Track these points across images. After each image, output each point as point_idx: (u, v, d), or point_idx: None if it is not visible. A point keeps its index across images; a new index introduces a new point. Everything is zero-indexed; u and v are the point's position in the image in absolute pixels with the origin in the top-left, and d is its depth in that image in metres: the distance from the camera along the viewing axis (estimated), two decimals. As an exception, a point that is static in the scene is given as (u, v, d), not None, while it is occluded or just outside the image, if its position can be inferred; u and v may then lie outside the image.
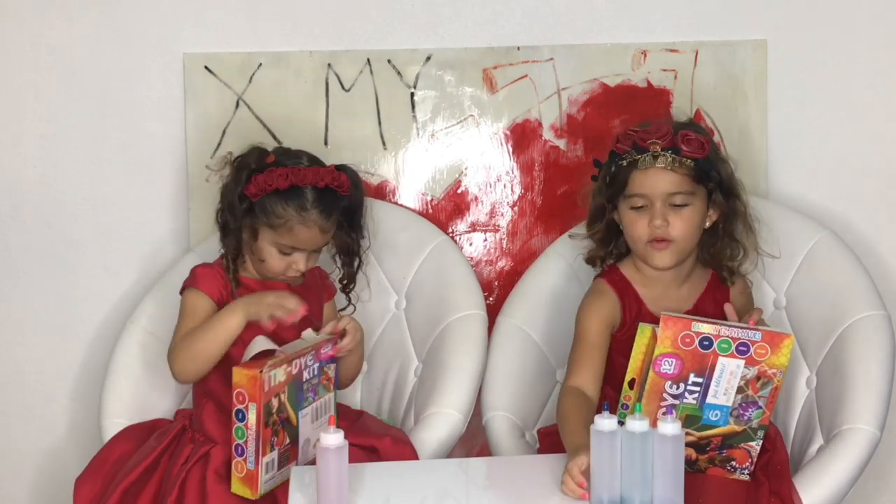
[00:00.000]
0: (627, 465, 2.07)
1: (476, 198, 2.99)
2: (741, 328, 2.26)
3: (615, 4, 2.94)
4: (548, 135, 2.97)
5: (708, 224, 2.51)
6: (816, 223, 2.80)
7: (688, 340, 2.25)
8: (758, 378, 2.27)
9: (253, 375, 2.23)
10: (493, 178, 2.98)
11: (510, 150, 2.98)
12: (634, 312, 2.52)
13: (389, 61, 2.94)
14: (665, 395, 2.28)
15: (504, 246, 2.99)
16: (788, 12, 2.94)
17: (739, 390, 2.28)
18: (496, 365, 2.71)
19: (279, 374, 2.28)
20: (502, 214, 2.99)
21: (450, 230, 2.98)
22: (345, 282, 2.69)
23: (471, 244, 2.99)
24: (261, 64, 2.93)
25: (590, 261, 2.63)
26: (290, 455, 2.35)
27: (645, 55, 2.94)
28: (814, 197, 2.96)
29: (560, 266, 2.81)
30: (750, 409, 2.30)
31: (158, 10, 2.91)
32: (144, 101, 2.94)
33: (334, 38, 2.94)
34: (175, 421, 2.60)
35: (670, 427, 2.05)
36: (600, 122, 2.95)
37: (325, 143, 2.94)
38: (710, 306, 2.55)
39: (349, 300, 2.71)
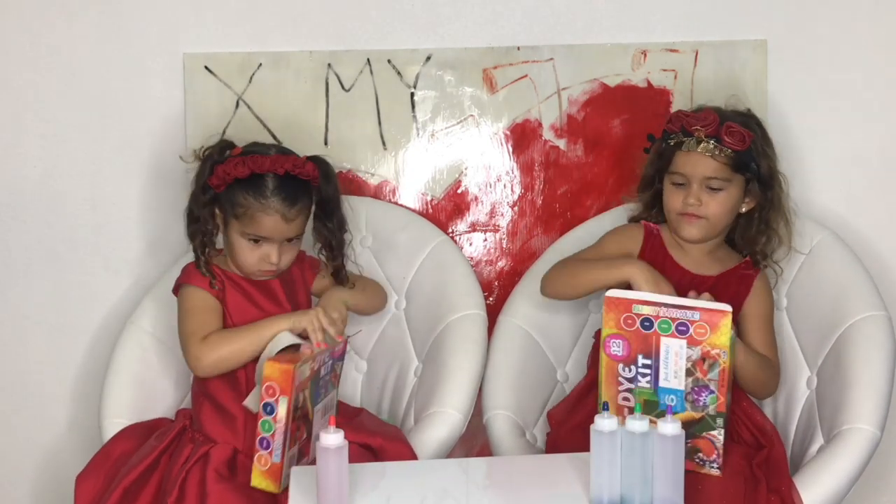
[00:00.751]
0: (627, 465, 2.07)
1: (476, 198, 2.99)
2: (680, 308, 2.31)
3: (615, 4, 2.93)
4: (548, 135, 2.97)
5: (744, 209, 2.62)
6: (816, 223, 2.80)
7: (630, 321, 2.32)
8: (703, 360, 2.30)
9: (286, 370, 2.25)
10: (493, 178, 2.98)
11: (510, 150, 2.98)
12: (658, 262, 2.62)
13: (389, 61, 2.94)
14: (620, 378, 2.34)
15: (504, 246, 2.99)
16: (788, 12, 2.94)
17: (689, 373, 2.31)
18: (497, 364, 2.72)
19: (306, 370, 2.31)
20: (502, 214, 2.99)
21: (450, 230, 2.98)
22: (334, 272, 2.67)
23: (471, 244, 2.99)
24: (261, 64, 2.93)
25: (633, 220, 2.76)
26: (304, 450, 2.37)
27: (645, 55, 2.94)
28: (814, 197, 2.96)
29: None
30: (703, 394, 2.32)
31: (158, 10, 2.91)
32: (144, 101, 2.94)
33: (334, 38, 2.93)
34: (176, 420, 2.60)
35: (670, 427, 2.05)
36: (600, 122, 2.96)
37: (325, 143, 2.94)
38: (732, 283, 2.61)
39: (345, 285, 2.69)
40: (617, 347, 2.33)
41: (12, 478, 3.05)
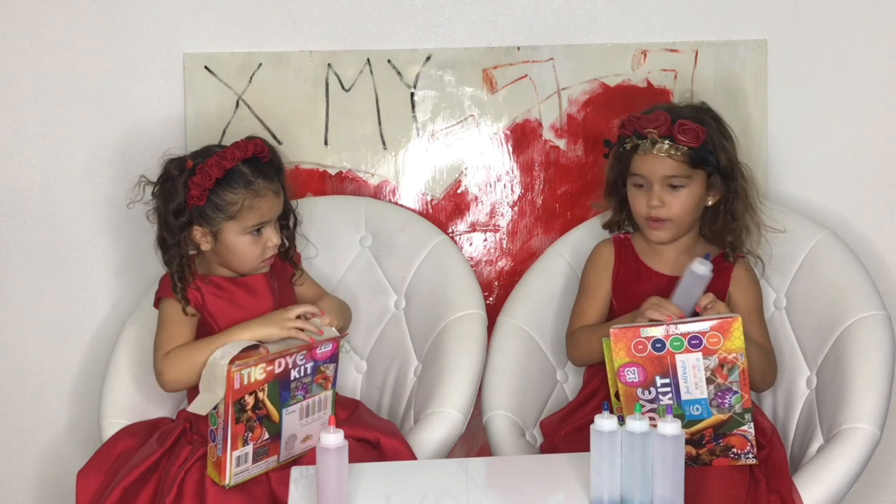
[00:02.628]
0: (627, 465, 2.07)
1: (476, 198, 2.98)
2: (688, 322, 2.31)
3: (615, 4, 2.93)
4: (548, 135, 2.97)
5: (711, 202, 2.61)
6: (816, 223, 2.80)
7: (641, 347, 2.30)
8: (721, 366, 2.30)
9: (228, 374, 2.28)
10: (493, 178, 2.98)
11: (510, 150, 2.97)
12: (632, 269, 2.65)
13: (389, 61, 2.94)
14: (641, 401, 2.31)
15: (504, 246, 2.99)
16: (788, 12, 2.94)
17: (709, 381, 2.31)
18: (497, 364, 2.71)
19: (256, 373, 2.29)
20: (502, 214, 2.98)
21: (450, 230, 2.98)
22: (286, 245, 2.63)
23: (471, 244, 2.99)
24: (261, 64, 2.92)
25: (607, 226, 2.76)
26: (268, 450, 2.36)
27: (645, 55, 2.94)
28: (814, 197, 2.96)
29: (560, 266, 2.82)
30: (727, 396, 2.32)
31: (158, 11, 2.91)
32: (145, 101, 2.94)
33: (334, 38, 2.93)
34: (177, 421, 2.59)
35: (670, 427, 2.04)
36: (600, 122, 2.95)
37: (325, 143, 2.94)
38: (712, 283, 2.53)
39: (295, 265, 2.67)
40: (633, 375, 2.31)
41: (12, 477, 3.05)
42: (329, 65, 2.93)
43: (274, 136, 2.93)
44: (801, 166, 2.96)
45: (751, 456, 2.36)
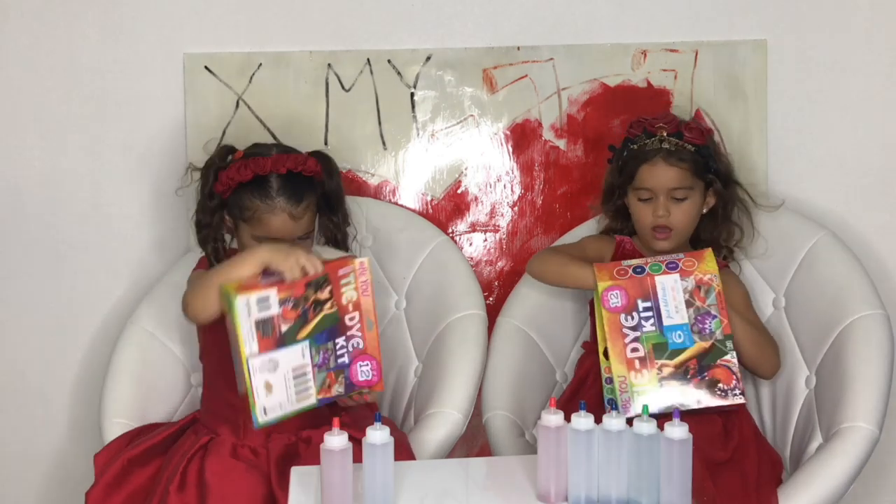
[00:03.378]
0: (634, 468, 2.05)
1: (476, 198, 2.98)
2: (664, 255, 2.49)
3: (615, 4, 2.93)
4: (548, 135, 2.96)
5: (706, 210, 2.70)
6: (816, 223, 2.80)
7: (622, 272, 2.44)
8: (699, 287, 2.42)
9: (345, 260, 2.27)
10: (493, 178, 2.98)
11: (510, 150, 2.97)
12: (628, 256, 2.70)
13: (389, 61, 2.94)
14: (624, 330, 2.41)
15: (504, 246, 2.99)
16: (788, 12, 2.94)
17: (689, 304, 2.42)
18: (496, 364, 2.72)
19: (348, 292, 2.27)
20: (502, 214, 2.98)
21: (450, 230, 2.98)
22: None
23: (471, 244, 2.99)
24: (261, 64, 2.92)
25: (605, 233, 2.82)
26: (267, 334, 2.20)
27: (645, 55, 2.94)
28: (813, 197, 2.96)
29: None
30: (707, 321, 2.42)
31: (159, 11, 2.91)
32: (145, 101, 2.93)
33: (334, 38, 2.93)
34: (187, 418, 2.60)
35: (678, 430, 2.03)
36: (600, 123, 2.95)
37: (326, 143, 2.94)
38: None
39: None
40: (616, 299, 2.42)
41: (12, 478, 3.05)
42: (329, 65, 2.93)
43: (274, 137, 2.93)
44: (800, 166, 2.96)
45: (738, 392, 2.41)
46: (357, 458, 2.06)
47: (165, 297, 2.77)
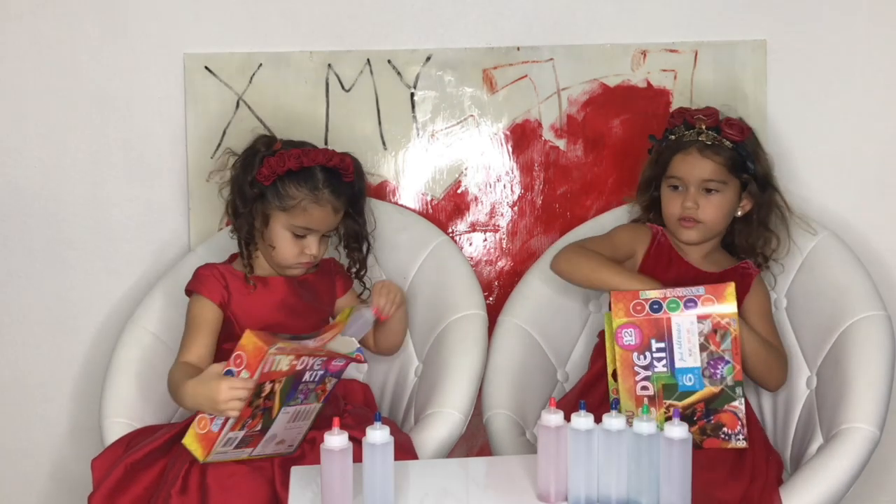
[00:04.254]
0: (634, 468, 2.06)
1: (476, 198, 2.98)
2: (685, 288, 2.41)
3: (615, 4, 2.93)
4: (548, 135, 2.96)
5: (740, 213, 2.68)
6: (816, 223, 2.79)
7: (639, 308, 2.39)
8: (715, 331, 2.38)
9: (259, 347, 2.24)
10: (493, 178, 2.98)
11: (510, 150, 2.97)
12: (665, 256, 2.69)
13: (389, 61, 2.93)
14: (636, 367, 2.39)
15: (504, 246, 2.99)
16: (788, 12, 2.94)
17: (703, 348, 2.37)
18: (497, 363, 2.71)
19: (283, 363, 2.26)
20: (502, 214, 2.98)
21: (450, 230, 2.98)
22: (356, 268, 2.72)
23: (471, 244, 2.99)
24: (261, 64, 2.92)
25: (637, 221, 2.82)
26: (251, 441, 2.33)
27: (644, 55, 2.94)
28: (813, 197, 2.95)
29: None
30: (720, 366, 2.38)
31: (159, 10, 2.90)
32: (145, 102, 2.93)
33: (334, 39, 2.93)
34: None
35: (677, 430, 2.03)
36: (600, 123, 2.95)
37: (326, 144, 2.91)
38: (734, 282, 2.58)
39: (364, 285, 2.73)
40: (629, 337, 2.38)
41: (13, 478, 3.04)
42: (329, 65, 2.93)
43: (274, 137, 2.86)
44: (800, 167, 2.96)
45: (741, 437, 2.40)
46: (358, 458, 2.06)
47: (166, 298, 2.78)
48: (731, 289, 2.38)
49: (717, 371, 2.38)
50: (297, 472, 2.25)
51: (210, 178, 2.84)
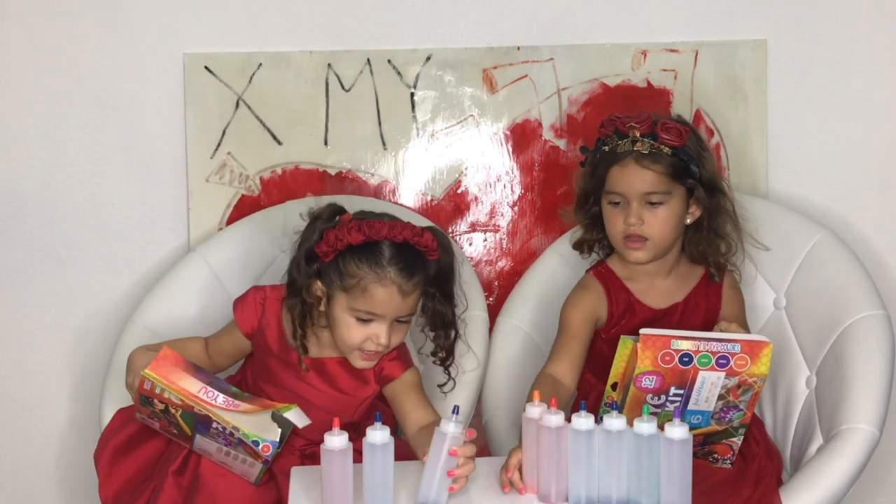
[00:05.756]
0: (634, 469, 2.05)
1: (476, 198, 2.98)
2: (720, 341, 2.23)
3: (615, 4, 2.92)
4: (548, 135, 2.96)
5: (690, 220, 2.52)
6: (816, 223, 2.78)
7: (668, 358, 2.22)
8: (738, 386, 2.27)
9: (141, 364, 2.29)
10: (493, 178, 2.98)
11: (510, 150, 2.97)
12: (623, 305, 2.54)
13: (389, 61, 2.93)
14: (646, 404, 2.23)
15: (504, 246, 2.98)
16: (788, 12, 2.94)
17: (720, 398, 2.28)
18: (497, 365, 2.70)
19: (171, 395, 2.24)
20: (502, 214, 2.98)
21: (450, 230, 2.97)
22: (442, 355, 2.43)
23: (471, 244, 2.98)
24: (261, 64, 2.91)
25: (577, 246, 2.67)
26: (179, 437, 2.33)
27: (645, 55, 2.94)
28: (813, 197, 2.96)
29: (560, 266, 2.81)
30: (731, 412, 2.31)
31: (158, 10, 2.90)
32: (145, 102, 2.92)
33: (334, 38, 2.92)
34: None
35: (678, 431, 2.02)
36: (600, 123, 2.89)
37: (325, 144, 2.93)
38: (702, 301, 2.57)
39: (449, 374, 2.46)
40: (649, 382, 2.24)
41: (12, 478, 3.04)
42: (329, 65, 2.92)
43: (274, 137, 2.93)
44: (800, 166, 2.96)
45: (728, 462, 2.37)
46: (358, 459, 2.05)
47: (166, 297, 2.78)
48: (767, 350, 2.22)
49: (727, 416, 2.31)
50: (297, 473, 2.24)
51: (209, 179, 2.83)
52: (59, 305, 2.99)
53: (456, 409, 2.06)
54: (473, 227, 2.99)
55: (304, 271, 2.30)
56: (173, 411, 2.26)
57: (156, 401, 2.26)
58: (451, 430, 2.04)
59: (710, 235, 2.54)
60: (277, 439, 2.20)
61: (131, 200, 2.96)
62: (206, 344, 2.50)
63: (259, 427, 2.21)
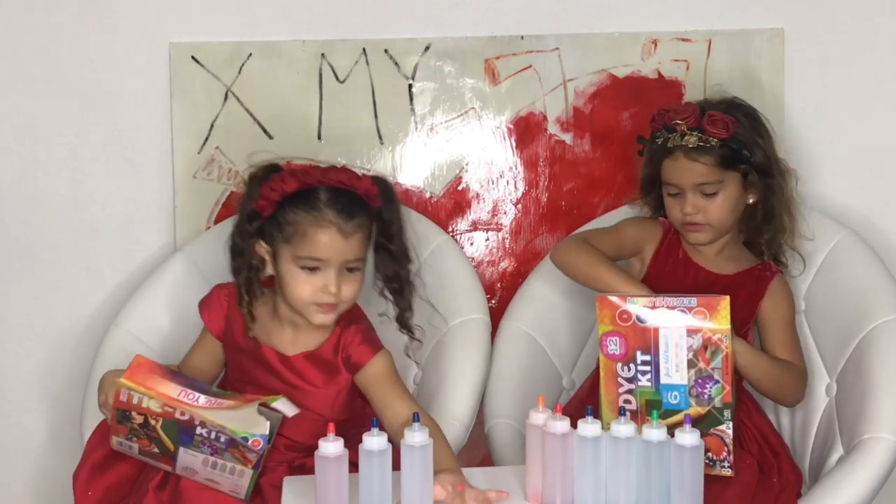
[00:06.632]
0: (644, 477, 2.04)
1: (478, 195, 2.96)
2: (676, 297, 2.33)
3: (624, -9, 2.95)
4: (553, 128, 2.95)
5: (751, 201, 2.61)
6: (836, 222, 2.77)
7: (625, 316, 2.33)
8: (705, 347, 2.31)
9: (115, 379, 2.26)
10: (496, 174, 2.96)
11: (513, 144, 2.95)
12: (676, 253, 2.64)
13: (386, 51, 2.92)
14: (619, 379, 2.34)
15: (507, 246, 2.97)
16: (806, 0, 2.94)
17: (691, 365, 2.31)
18: (500, 370, 2.69)
19: (151, 403, 2.21)
20: (505, 212, 2.97)
21: (450, 229, 2.96)
22: (399, 313, 2.48)
23: (472, 244, 2.97)
24: (251, 54, 2.90)
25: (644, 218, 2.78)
26: (157, 458, 2.29)
27: (655, 45, 2.93)
28: (833, 194, 2.94)
29: None
30: (708, 385, 2.32)
31: (143, -2, 2.90)
32: (128, 93, 2.91)
33: (328, 27, 2.91)
34: None
35: (689, 437, 2.01)
36: (608, 116, 2.94)
37: (319, 138, 2.92)
38: (748, 287, 2.59)
39: (412, 335, 2.51)
40: (614, 346, 2.34)
41: (-9, 487, 3.04)
42: (323, 55, 2.91)
43: (265, 131, 2.92)
44: (819, 162, 2.94)
45: (727, 465, 2.34)
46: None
47: (150, 300, 2.77)
48: (725, 303, 2.30)
49: (705, 391, 2.31)
50: (289, 483, 2.23)
51: (196, 175, 2.83)
52: (37, 308, 2.98)
53: (416, 417, 2.08)
54: (475, 226, 2.97)
55: (246, 232, 2.36)
56: (153, 423, 2.23)
57: (134, 414, 2.23)
58: (417, 440, 2.03)
59: (765, 217, 2.63)
60: (267, 432, 2.20)
61: (114, 198, 2.94)
62: (181, 368, 2.50)
63: (246, 423, 2.21)
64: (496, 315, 2.77)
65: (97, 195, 2.93)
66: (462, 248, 2.91)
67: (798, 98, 2.93)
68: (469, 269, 2.78)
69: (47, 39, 2.88)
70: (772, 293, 2.60)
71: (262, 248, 2.36)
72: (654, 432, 2.03)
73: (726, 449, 2.33)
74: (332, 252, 2.30)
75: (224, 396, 2.27)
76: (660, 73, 2.93)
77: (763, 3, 2.92)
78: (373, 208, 2.37)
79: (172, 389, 2.23)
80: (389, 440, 2.05)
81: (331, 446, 2.01)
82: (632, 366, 2.32)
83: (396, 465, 2.18)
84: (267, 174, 2.37)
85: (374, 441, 2.02)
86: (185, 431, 2.23)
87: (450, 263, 2.78)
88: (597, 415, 2.23)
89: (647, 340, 2.32)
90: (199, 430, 2.21)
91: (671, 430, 2.23)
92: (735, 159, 2.54)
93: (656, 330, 2.32)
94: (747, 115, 2.59)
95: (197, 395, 2.24)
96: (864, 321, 2.56)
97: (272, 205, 2.32)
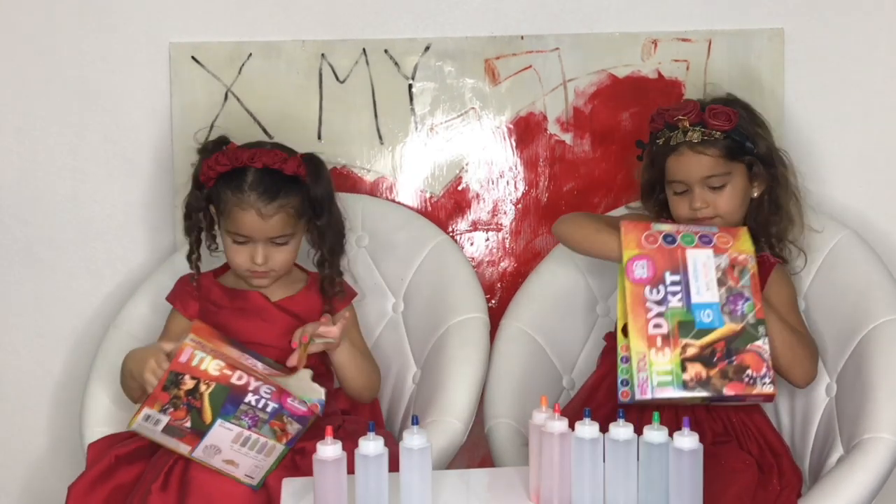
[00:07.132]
0: (644, 480, 2.03)
1: (477, 195, 2.96)
2: (699, 226, 2.42)
3: (624, -9, 2.95)
4: (553, 128, 2.94)
5: (757, 193, 2.62)
6: (836, 222, 2.76)
7: (651, 239, 2.36)
8: (732, 266, 2.35)
9: (182, 343, 2.29)
10: (496, 174, 2.96)
11: (513, 144, 2.95)
12: None
13: (386, 51, 2.91)
14: (648, 304, 2.33)
15: (507, 246, 2.97)
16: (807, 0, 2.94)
17: (721, 283, 2.33)
18: (499, 370, 2.69)
19: (210, 364, 2.27)
20: (505, 212, 2.96)
21: (450, 229, 2.96)
22: (324, 280, 2.62)
23: (472, 244, 2.97)
24: (251, 54, 2.90)
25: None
26: (183, 435, 2.32)
27: (655, 45, 2.92)
28: (833, 194, 2.93)
29: (566, 267, 2.80)
30: (739, 302, 2.33)
31: (143, -2, 2.91)
32: (128, 93, 2.91)
33: (328, 27, 2.91)
34: None
35: (687, 441, 1.99)
36: (608, 116, 2.93)
37: (319, 138, 2.92)
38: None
39: (330, 304, 2.62)
40: (641, 269, 2.33)
41: (-10, 488, 3.05)
42: (322, 55, 2.91)
43: (265, 131, 2.91)
44: (819, 161, 2.93)
45: (767, 381, 2.32)
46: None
47: (150, 300, 2.76)
48: (744, 230, 2.39)
49: (738, 308, 2.32)
50: (288, 484, 2.22)
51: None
52: (37, 309, 2.97)
53: (415, 420, 2.09)
54: (475, 226, 2.97)
55: (197, 197, 2.56)
56: (203, 389, 2.27)
57: (187, 378, 2.27)
58: (416, 443, 2.04)
59: (772, 208, 2.63)
60: (324, 397, 2.32)
61: (114, 198, 2.94)
62: None
63: (303, 389, 2.32)
64: (496, 315, 2.77)
65: (97, 196, 2.93)
66: (462, 248, 2.91)
67: (798, 98, 2.93)
68: (468, 269, 2.79)
69: (47, 39, 2.88)
70: (773, 282, 2.60)
71: (213, 211, 2.56)
72: (654, 434, 2.01)
73: (765, 364, 2.32)
74: (255, 231, 2.49)
75: (276, 368, 2.37)
76: (660, 74, 2.92)
77: (763, 3, 2.91)
78: (304, 186, 2.53)
79: (234, 352, 2.32)
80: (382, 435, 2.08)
81: (329, 449, 2.01)
82: (661, 287, 2.32)
83: (395, 467, 2.18)
84: (216, 147, 2.56)
85: (370, 446, 2.01)
86: (232, 400, 2.27)
87: (449, 263, 2.80)
88: (604, 410, 2.24)
89: (675, 261, 2.34)
90: (248, 398, 2.27)
91: (705, 351, 2.27)
92: (740, 150, 2.55)
93: (684, 250, 2.34)
94: (744, 107, 2.62)
95: (254, 360, 2.34)
96: (864, 321, 2.56)
97: (210, 180, 2.53)
